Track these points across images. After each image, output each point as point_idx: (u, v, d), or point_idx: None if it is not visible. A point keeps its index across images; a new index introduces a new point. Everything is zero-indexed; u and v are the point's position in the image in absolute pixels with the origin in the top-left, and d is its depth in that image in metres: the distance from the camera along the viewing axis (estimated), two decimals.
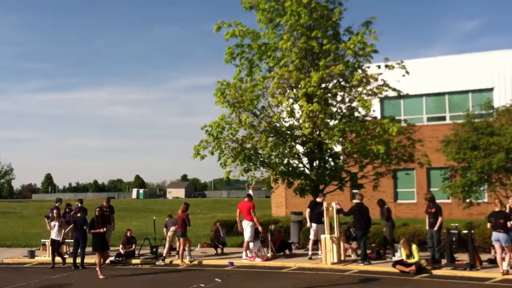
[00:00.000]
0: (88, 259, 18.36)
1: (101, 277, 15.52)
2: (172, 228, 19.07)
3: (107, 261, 18.29)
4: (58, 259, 18.33)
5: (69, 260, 18.47)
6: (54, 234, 18.40)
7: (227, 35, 21.22)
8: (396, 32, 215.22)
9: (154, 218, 22.76)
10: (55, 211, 19.01)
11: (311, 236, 18.43)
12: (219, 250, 19.92)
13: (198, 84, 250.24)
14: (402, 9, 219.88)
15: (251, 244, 18.20)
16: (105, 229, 16.34)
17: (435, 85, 33.93)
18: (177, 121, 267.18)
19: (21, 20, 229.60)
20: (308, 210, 18.62)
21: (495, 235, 14.34)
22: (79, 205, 20.05)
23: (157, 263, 18.30)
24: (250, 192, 20.87)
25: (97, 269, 15.88)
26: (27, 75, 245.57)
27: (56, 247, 18.39)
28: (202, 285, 14.01)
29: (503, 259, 14.26)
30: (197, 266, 17.66)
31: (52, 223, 18.55)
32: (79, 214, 18.98)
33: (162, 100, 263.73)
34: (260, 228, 18.22)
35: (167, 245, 19.09)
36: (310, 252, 17.99)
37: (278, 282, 14.36)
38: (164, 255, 18.65)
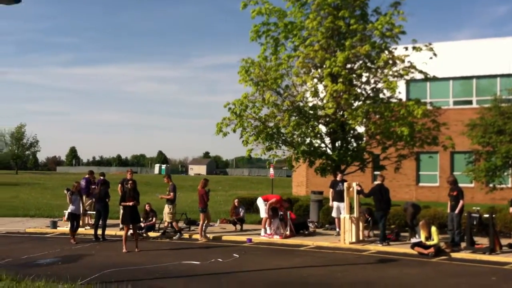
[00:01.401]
0: (109, 231, 18.62)
1: (124, 250, 15.58)
2: (174, 204, 18.80)
3: (128, 234, 18.51)
4: (80, 230, 18.47)
5: (91, 231, 18.69)
6: (72, 208, 17.75)
7: (253, 12, 21.03)
8: (425, 14, 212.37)
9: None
10: (74, 183, 18.83)
11: (333, 214, 18.51)
12: (238, 227, 20.04)
13: (224, 62, 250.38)
14: None
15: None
16: (134, 202, 16.02)
17: (463, 68, 33.45)
18: (201, 99, 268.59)
19: None
20: (331, 190, 18.67)
21: None
22: (102, 178, 20.25)
23: (174, 238, 18.42)
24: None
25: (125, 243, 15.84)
26: (57, 49, 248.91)
27: (77, 220, 17.89)
28: (220, 259, 14.12)
29: None
30: (215, 242, 17.78)
31: (73, 197, 17.90)
32: (101, 188, 19.19)
33: (188, 78, 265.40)
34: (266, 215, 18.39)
35: (173, 222, 18.80)
36: (337, 229, 18.10)
37: (295, 260, 14.40)
38: (176, 229, 18.67)
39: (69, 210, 17.99)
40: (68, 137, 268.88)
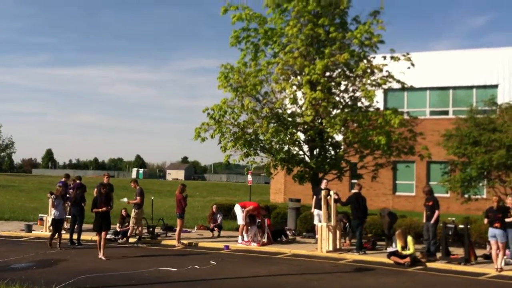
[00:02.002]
0: (85, 236, 18.43)
1: (100, 256, 15.18)
2: (140, 210, 18.66)
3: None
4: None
5: (66, 236, 18.45)
6: (56, 213, 17.14)
7: (233, 18, 21.10)
8: (404, 24, 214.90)
9: (152, 198, 22.77)
10: (57, 187, 18.20)
11: (315, 222, 18.55)
12: (215, 233, 19.97)
13: (204, 66, 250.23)
14: (411, 1, 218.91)
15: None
16: (106, 208, 15.73)
17: (440, 79, 33.84)
18: (181, 103, 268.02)
19: None
20: (314, 197, 18.76)
21: (491, 231, 14.35)
22: (78, 182, 20.03)
23: (119, 241, 18.36)
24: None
25: (100, 249, 15.44)
26: (35, 50, 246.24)
27: (60, 226, 17.29)
28: (197, 266, 14.06)
29: (498, 255, 14.29)
30: (192, 248, 17.70)
31: (56, 201, 17.24)
32: (77, 191, 18.96)
33: (167, 82, 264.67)
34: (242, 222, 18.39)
35: (131, 225, 18.68)
36: (317, 236, 18.08)
37: (272, 267, 14.40)
38: (128, 234, 18.59)
39: (52, 216, 17.41)
40: (45, 139, 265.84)
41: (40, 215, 22.03)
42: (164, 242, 18.59)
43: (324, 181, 18.88)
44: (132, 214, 18.58)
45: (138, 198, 18.66)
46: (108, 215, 15.91)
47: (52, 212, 17.44)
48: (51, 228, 17.76)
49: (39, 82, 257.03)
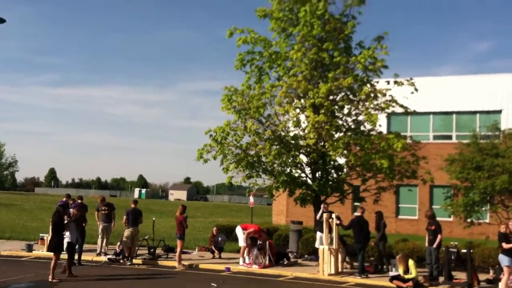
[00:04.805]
0: (85, 256, 18.33)
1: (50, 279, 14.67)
2: (129, 230, 18.47)
3: (105, 259, 18.32)
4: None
5: (64, 256, 18.20)
6: (71, 236, 16.10)
7: (239, 41, 21.29)
8: (408, 49, 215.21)
9: (154, 219, 22.75)
10: (74, 210, 17.23)
11: (316, 244, 18.46)
12: (216, 255, 19.88)
13: (208, 88, 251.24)
14: (415, 26, 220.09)
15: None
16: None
17: (444, 104, 33.92)
18: (184, 124, 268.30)
19: (35, 13, 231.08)
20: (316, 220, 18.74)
21: (499, 256, 14.37)
22: (79, 201, 19.99)
23: (125, 263, 18.08)
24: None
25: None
26: (40, 69, 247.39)
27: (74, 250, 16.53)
28: None
29: None
30: (193, 270, 17.61)
31: (71, 225, 16.27)
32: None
33: (171, 102, 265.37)
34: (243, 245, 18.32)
35: (124, 246, 18.41)
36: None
37: None
38: (126, 255, 18.28)
39: (67, 239, 16.31)
40: (48, 158, 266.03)
41: (41, 234, 21.95)
42: (164, 263, 18.50)
43: (323, 205, 18.88)
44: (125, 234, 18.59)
45: (124, 217, 18.92)
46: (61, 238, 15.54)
47: (67, 235, 16.39)
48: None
49: (45, 101, 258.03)
